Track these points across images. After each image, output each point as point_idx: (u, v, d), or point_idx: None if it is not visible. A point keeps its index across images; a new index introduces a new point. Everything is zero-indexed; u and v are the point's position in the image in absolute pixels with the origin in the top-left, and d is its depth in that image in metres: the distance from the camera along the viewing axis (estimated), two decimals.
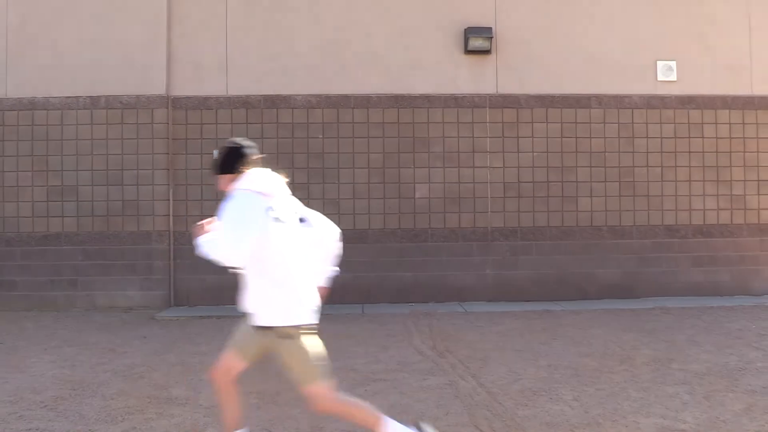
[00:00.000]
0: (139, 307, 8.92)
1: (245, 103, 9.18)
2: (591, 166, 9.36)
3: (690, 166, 9.42)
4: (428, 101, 9.28)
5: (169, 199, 9.08)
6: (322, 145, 9.16)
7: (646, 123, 9.41)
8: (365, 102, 9.25)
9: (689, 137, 9.43)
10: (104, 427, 4.19)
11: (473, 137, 9.29)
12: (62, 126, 9.06)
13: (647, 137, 9.41)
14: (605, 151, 9.37)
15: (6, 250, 9.03)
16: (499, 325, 7.56)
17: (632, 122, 9.40)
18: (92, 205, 9.04)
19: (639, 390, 4.87)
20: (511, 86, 9.35)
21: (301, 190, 9.03)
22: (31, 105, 9.07)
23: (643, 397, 4.69)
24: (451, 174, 9.26)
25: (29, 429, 4.17)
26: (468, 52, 9.25)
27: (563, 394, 4.79)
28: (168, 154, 9.10)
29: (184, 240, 9.06)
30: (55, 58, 9.08)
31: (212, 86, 9.19)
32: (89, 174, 9.05)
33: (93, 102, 9.07)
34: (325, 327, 7.41)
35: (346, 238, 8.86)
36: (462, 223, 9.26)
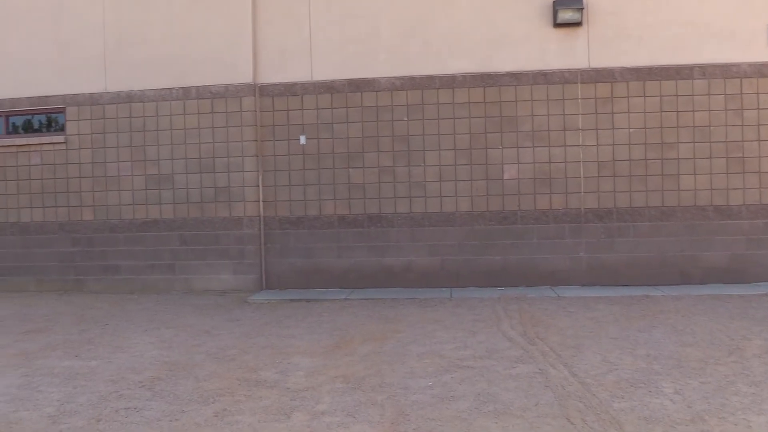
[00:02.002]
0: (232, 291, 9.23)
1: (330, 87, 9.21)
2: (694, 142, 8.76)
3: None
4: (515, 79, 8.96)
5: (258, 185, 9.28)
6: (407, 127, 9.04)
7: (758, 93, 8.68)
8: (450, 82, 9.05)
9: None
10: (196, 408, 4.32)
11: (564, 115, 8.91)
12: (157, 117, 9.46)
13: (758, 108, 8.68)
14: (710, 125, 8.74)
15: (110, 236, 9.57)
16: (593, 310, 7.24)
17: (741, 93, 8.70)
18: (187, 192, 9.41)
19: (750, 384, 4.49)
20: (604, 59, 8.87)
21: (387, 173, 9.03)
22: (128, 98, 9.50)
23: (755, 393, 4.31)
24: (541, 153, 8.93)
25: (128, 408, 4.36)
26: (557, 25, 8.84)
27: (663, 387, 4.48)
28: (257, 140, 9.29)
29: (274, 225, 9.26)
30: (148, 53, 9.46)
31: (297, 72, 9.28)
32: (183, 162, 9.41)
33: (185, 93, 9.39)
34: (412, 311, 7.44)
35: (433, 221, 8.85)
36: (553, 204, 8.92)
